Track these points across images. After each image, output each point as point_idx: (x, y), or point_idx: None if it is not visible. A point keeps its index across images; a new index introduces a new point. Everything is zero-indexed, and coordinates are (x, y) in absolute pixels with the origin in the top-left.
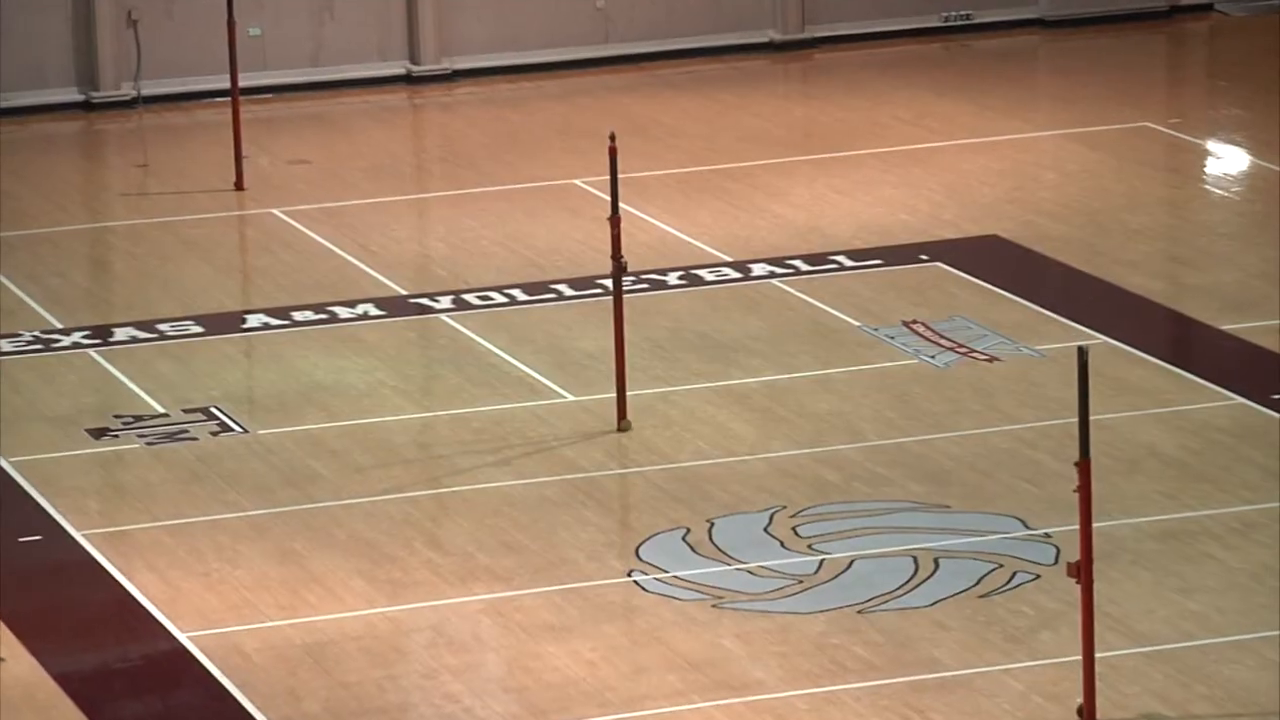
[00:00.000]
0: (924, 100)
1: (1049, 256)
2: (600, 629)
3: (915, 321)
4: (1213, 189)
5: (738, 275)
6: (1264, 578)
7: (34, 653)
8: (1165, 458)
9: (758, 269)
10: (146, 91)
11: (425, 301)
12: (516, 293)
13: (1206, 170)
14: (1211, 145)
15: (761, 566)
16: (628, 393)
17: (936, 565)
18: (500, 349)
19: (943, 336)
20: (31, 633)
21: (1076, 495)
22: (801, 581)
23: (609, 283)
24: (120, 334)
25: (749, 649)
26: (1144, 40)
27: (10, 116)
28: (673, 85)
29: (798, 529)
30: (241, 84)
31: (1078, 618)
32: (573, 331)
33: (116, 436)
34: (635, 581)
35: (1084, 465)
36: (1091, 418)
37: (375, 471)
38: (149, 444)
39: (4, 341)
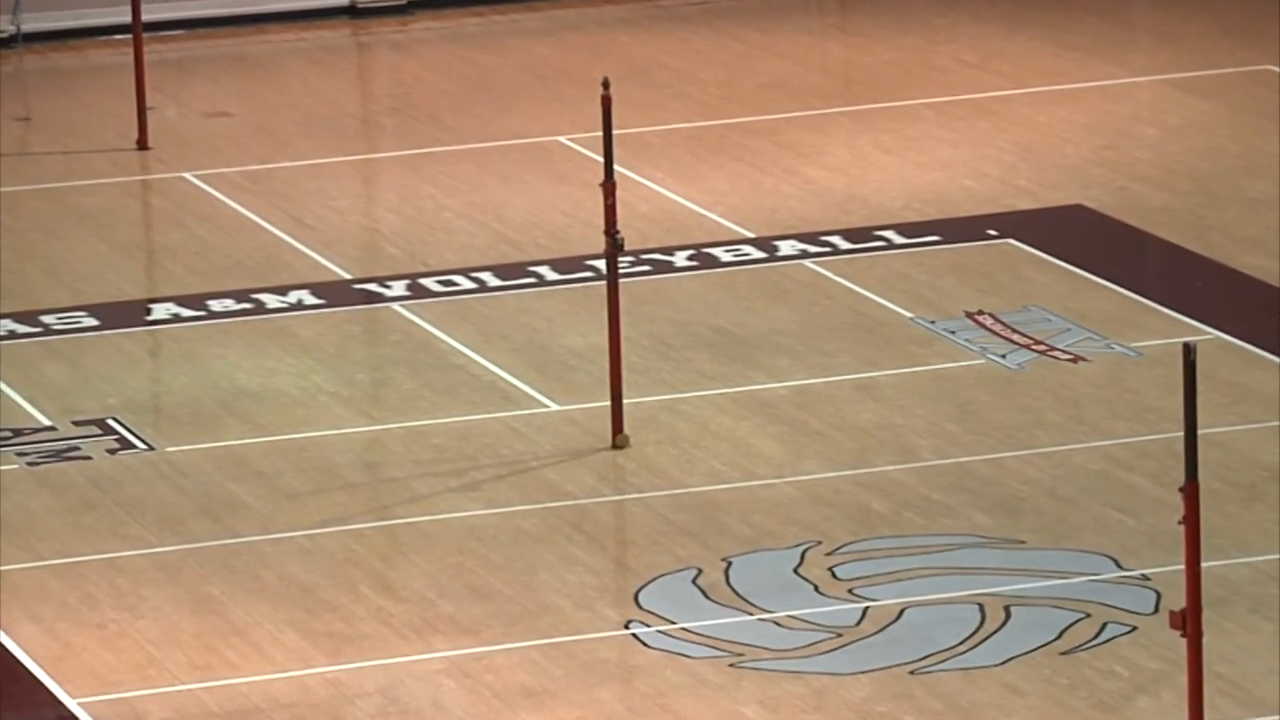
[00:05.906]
0: (992, 38)
1: (1147, 231)
2: (591, 693)
3: (981, 312)
4: None
5: (761, 255)
6: None
7: None
8: None
9: (785, 247)
10: (28, 28)
11: (373, 287)
12: (486, 276)
13: None
14: None
15: (791, 616)
16: (624, 400)
17: (1008, 615)
18: (466, 346)
19: (1015, 331)
20: None
21: (1181, 528)
22: (840, 635)
23: (601, 264)
24: None
25: (775, 718)
26: None
27: None
28: (681, 19)
29: (835, 570)
30: (146, 18)
31: (1183, 679)
32: (556, 325)
33: None
34: (634, 635)
35: (1191, 490)
36: (1200, 432)
37: (312, 499)
38: (31, 464)
39: None
